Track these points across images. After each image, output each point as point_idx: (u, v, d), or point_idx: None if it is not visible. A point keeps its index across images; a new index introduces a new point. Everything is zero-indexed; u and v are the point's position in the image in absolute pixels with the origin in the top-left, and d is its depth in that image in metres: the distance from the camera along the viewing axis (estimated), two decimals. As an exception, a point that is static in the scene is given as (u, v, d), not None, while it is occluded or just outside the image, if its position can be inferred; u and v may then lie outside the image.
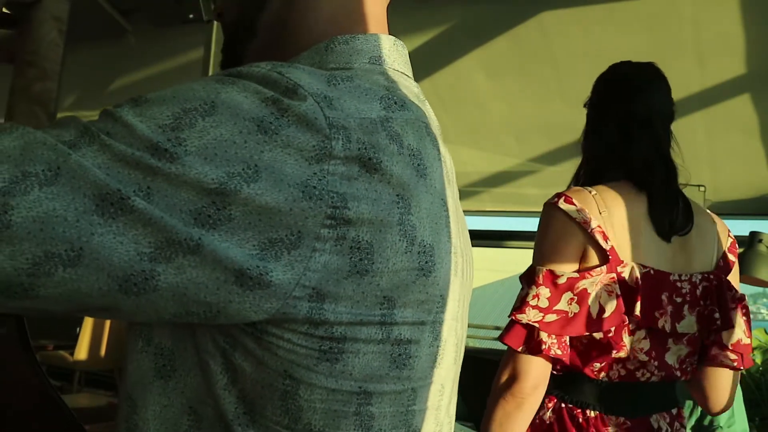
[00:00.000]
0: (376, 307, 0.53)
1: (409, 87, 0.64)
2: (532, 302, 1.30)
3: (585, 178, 1.46)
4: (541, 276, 1.31)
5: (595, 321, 1.30)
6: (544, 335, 1.30)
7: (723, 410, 1.48)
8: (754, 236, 2.87)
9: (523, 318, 1.30)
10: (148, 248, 0.46)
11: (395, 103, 0.57)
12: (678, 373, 1.39)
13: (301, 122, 0.50)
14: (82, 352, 5.27)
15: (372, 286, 0.52)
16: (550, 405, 1.41)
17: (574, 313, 1.30)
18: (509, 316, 1.33)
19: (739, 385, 2.29)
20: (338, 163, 0.50)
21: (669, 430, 1.39)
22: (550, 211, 1.36)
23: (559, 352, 1.31)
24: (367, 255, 0.51)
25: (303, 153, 0.49)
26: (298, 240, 0.49)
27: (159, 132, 0.47)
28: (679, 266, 1.38)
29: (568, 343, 1.33)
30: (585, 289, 1.30)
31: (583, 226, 1.32)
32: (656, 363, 1.35)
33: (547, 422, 1.40)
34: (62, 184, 0.45)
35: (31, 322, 0.77)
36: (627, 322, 1.31)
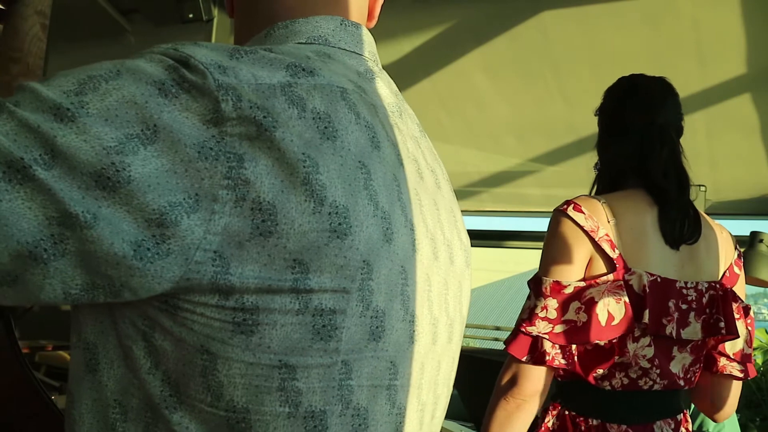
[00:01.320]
0: (287, 271, 0.51)
1: (346, 62, 0.63)
2: (541, 314, 1.32)
3: (603, 185, 1.49)
4: (548, 287, 1.32)
5: (603, 329, 1.31)
6: (548, 346, 1.32)
7: (726, 417, 1.52)
8: (755, 236, 2.87)
9: (534, 330, 1.32)
10: (55, 213, 0.47)
11: (303, 69, 0.57)
12: (681, 382, 1.39)
13: (194, 88, 0.51)
14: (82, 352, 5.26)
15: (278, 248, 0.51)
16: (554, 412, 1.42)
17: (582, 322, 1.30)
18: (517, 327, 1.34)
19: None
20: (234, 124, 0.50)
21: None
22: (559, 217, 1.37)
23: (563, 361, 1.33)
24: (270, 216, 0.50)
25: (200, 117, 0.50)
26: (196, 203, 0.49)
27: (63, 96, 0.49)
28: (686, 274, 1.39)
29: (573, 351, 1.34)
30: (592, 298, 1.31)
31: (590, 234, 1.33)
32: (658, 371, 1.35)
33: (551, 429, 1.41)
34: None
35: (31, 322, 0.77)
36: (633, 329, 1.31)
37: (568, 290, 1.31)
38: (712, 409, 1.50)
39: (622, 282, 1.32)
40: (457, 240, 0.70)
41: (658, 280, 1.34)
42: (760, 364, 3.36)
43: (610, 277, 1.32)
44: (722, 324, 1.40)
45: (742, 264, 1.51)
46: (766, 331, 3.52)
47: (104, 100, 0.49)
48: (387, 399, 0.60)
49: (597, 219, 1.34)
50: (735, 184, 3.24)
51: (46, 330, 5.98)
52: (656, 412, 1.40)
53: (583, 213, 1.35)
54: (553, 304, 1.31)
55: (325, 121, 0.55)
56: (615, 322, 1.30)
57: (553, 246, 1.36)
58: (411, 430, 0.64)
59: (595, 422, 1.37)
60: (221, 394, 0.52)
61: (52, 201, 0.47)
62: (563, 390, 1.43)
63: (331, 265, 0.53)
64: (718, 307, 1.41)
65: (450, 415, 2.86)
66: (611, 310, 1.31)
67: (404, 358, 0.61)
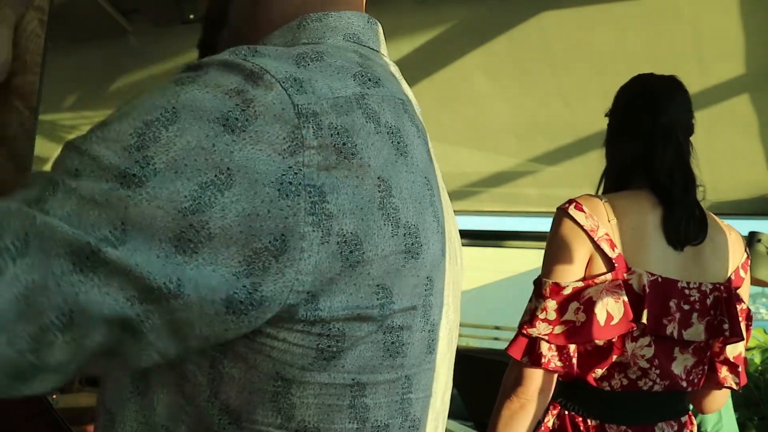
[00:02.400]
0: (372, 297, 0.50)
1: (384, 65, 0.62)
2: (541, 315, 1.33)
3: (609, 184, 1.49)
4: (547, 288, 1.33)
5: (602, 329, 1.31)
6: (544, 348, 1.33)
7: (711, 413, 1.59)
8: (753, 236, 2.87)
9: (534, 332, 1.33)
10: (134, 292, 0.45)
11: (369, 80, 0.55)
12: (684, 384, 1.39)
13: (269, 113, 0.47)
14: (82, 351, 5.27)
15: (363, 275, 0.50)
16: (554, 412, 1.43)
17: (581, 322, 1.31)
18: (519, 328, 1.36)
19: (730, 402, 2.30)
20: (313, 153, 0.47)
21: None
22: (560, 216, 1.38)
23: (559, 364, 1.34)
24: (356, 246, 0.49)
25: (275, 147, 0.47)
26: (283, 244, 0.46)
27: (125, 156, 0.45)
28: (689, 275, 1.39)
29: (571, 353, 1.35)
30: (590, 297, 1.31)
31: (590, 233, 1.34)
32: (658, 371, 1.35)
33: (551, 428, 1.42)
34: (34, 253, 0.44)
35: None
36: (633, 329, 1.31)
37: (567, 291, 1.32)
38: (702, 408, 1.55)
39: (621, 281, 1.32)
40: (456, 238, 0.69)
41: (659, 279, 1.34)
42: (759, 363, 3.36)
43: (609, 276, 1.32)
44: (726, 326, 1.40)
45: (748, 267, 1.51)
46: (764, 330, 3.53)
47: (169, 151, 0.45)
48: (432, 408, 0.61)
49: (597, 218, 1.34)
50: (733, 184, 3.24)
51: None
52: (657, 414, 1.39)
53: (584, 212, 1.35)
54: (552, 305, 1.32)
55: (397, 135, 0.54)
56: (614, 322, 1.30)
57: (553, 246, 1.37)
58: (441, 429, 0.66)
59: (594, 423, 1.37)
60: (292, 416, 0.51)
61: (129, 280, 0.44)
62: (564, 390, 1.43)
63: (407, 286, 0.53)
64: (722, 309, 1.40)
65: (450, 414, 2.87)
66: (610, 309, 1.31)
67: (441, 365, 0.62)
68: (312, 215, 0.47)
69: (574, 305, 1.31)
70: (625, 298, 1.31)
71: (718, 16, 2.34)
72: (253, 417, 0.51)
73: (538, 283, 1.36)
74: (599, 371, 1.35)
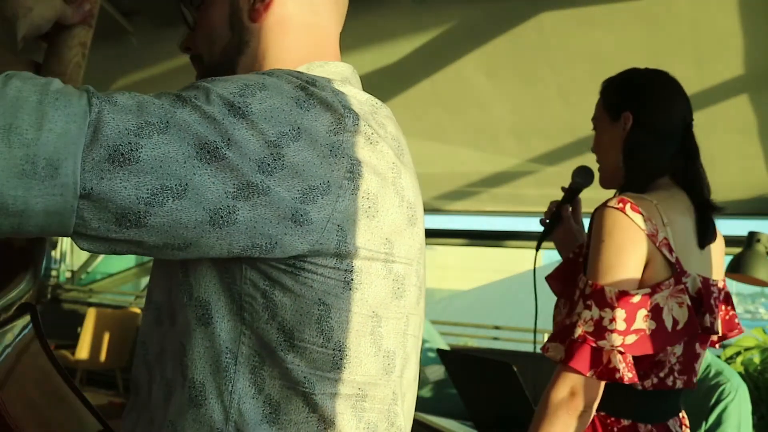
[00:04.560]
0: (381, 246, 0.68)
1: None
2: (611, 326, 1.24)
3: (635, 186, 1.40)
4: (613, 297, 1.25)
5: (671, 334, 1.27)
6: (616, 360, 1.25)
7: None
8: (753, 236, 2.88)
9: (605, 344, 1.24)
10: (232, 188, 0.60)
11: (375, 104, 0.74)
12: (694, 380, 1.41)
13: (324, 104, 0.66)
14: (83, 351, 5.27)
15: (378, 228, 0.68)
16: None
17: (651, 330, 1.26)
18: (580, 340, 1.26)
19: (748, 398, 2.29)
20: (350, 135, 0.66)
21: None
22: (615, 216, 1.28)
23: (630, 375, 1.26)
24: (374, 204, 0.67)
25: (325, 127, 0.65)
26: (328, 188, 0.64)
27: (231, 95, 0.62)
28: (709, 272, 1.41)
29: (631, 360, 1.29)
30: (658, 304, 1.27)
31: (651, 238, 1.27)
32: (680, 368, 1.36)
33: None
34: (172, 134, 0.59)
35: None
36: (697, 332, 1.31)
37: (636, 299, 1.25)
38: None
39: (683, 286, 1.29)
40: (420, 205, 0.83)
41: (703, 280, 1.35)
42: (758, 363, 3.37)
43: (672, 281, 1.28)
44: (737, 320, 1.44)
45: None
46: (764, 330, 3.53)
47: (262, 104, 0.63)
48: (416, 348, 0.79)
49: (655, 221, 1.29)
50: (733, 184, 3.25)
51: (47, 330, 5.98)
52: (672, 410, 1.41)
53: (642, 214, 1.27)
54: (621, 314, 1.24)
55: (397, 141, 0.73)
56: (680, 327, 1.28)
57: (611, 248, 1.27)
58: (417, 375, 0.82)
59: (626, 422, 1.36)
60: (331, 337, 0.67)
61: (234, 176, 0.60)
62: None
63: (405, 245, 0.72)
64: (731, 304, 1.45)
65: (450, 414, 2.87)
66: (675, 314, 1.28)
67: (418, 315, 0.79)
68: (350, 173, 0.66)
69: (642, 312, 1.26)
70: (689, 302, 1.29)
71: (717, 17, 2.34)
72: (303, 336, 0.66)
73: (597, 291, 1.27)
74: (640, 372, 1.33)
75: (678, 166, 1.41)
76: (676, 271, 1.29)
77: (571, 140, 3.22)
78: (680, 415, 1.43)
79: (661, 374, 1.35)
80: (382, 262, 0.69)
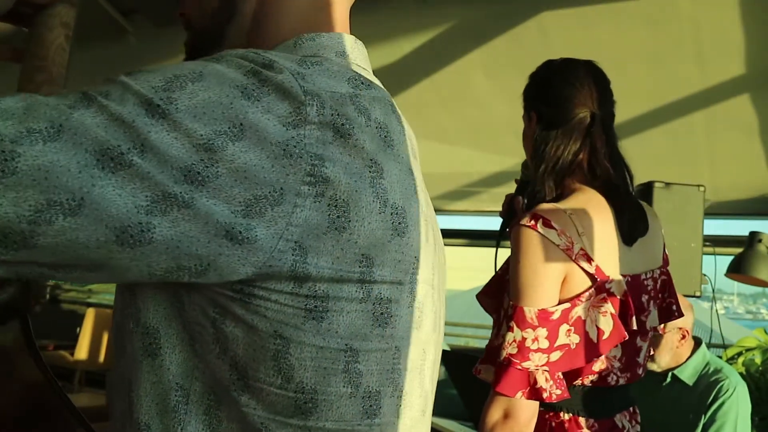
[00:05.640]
0: (355, 264, 0.56)
1: (372, 79, 0.68)
2: (533, 346, 1.23)
3: (546, 188, 1.36)
4: (534, 317, 1.23)
5: (596, 345, 1.26)
6: (542, 380, 1.24)
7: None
8: (754, 236, 2.87)
9: (530, 365, 1.23)
10: (144, 201, 0.49)
11: (362, 83, 0.62)
12: (640, 372, 1.40)
13: (279, 91, 0.54)
14: (82, 351, 5.27)
15: (350, 243, 0.55)
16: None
17: (576, 344, 1.25)
18: (505, 362, 1.24)
19: (747, 396, 2.28)
20: (313, 128, 0.54)
21: (629, 427, 1.40)
22: (529, 236, 1.25)
23: (558, 392, 1.25)
24: (344, 212, 0.55)
25: (281, 119, 0.53)
26: (281, 196, 0.52)
27: (152, 91, 0.51)
28: (644, 266, 1.38)
29: (561, 375, 1.28)
30: (579, 317, 1.26)
31: (566, 252, 1.25)
32: (620, 366, 1.35)
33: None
34: (65, 140, 0.48)
35: (32, 322, 0.77)
36: (624, 337, 1.28)
37: (556, 315, 1.24)
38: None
39: (604, 294, 1.27)
40: (436, 224, 0.73)
41: (629, 279, 1.32)
42: (759, 363, 3.36)
43: (592, 291, 1.26)
44: (675, 307, 1.43)
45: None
46: (765, 330, 3.53)
47: (192, 98, 0.51)
48: (419, 383, 0.65)
49: (569, 234, 1.26)
50: (734, 184, 3.24)
51: (47, 330, 5.98)
52: (617, 405, 1.40)
53: (555, 228, 1.25)
54: (543, 333, 1.23)
55: (384, 130, 0.61)
56: (605, 336, 1.26)
57: (528, 268, 1.25)
58: (428, 412, 0.69)
59: (566, 416, 1.35)
60: (291, 377, 0.55)
61: (148, 186, 0.49)
62: None
63: (391, 260, 0.59)
64: (669, 291, 1.43)
65: (450, 415, 2.87)
66: (600, 325, 1.26)
67: (428, 344, 0.66)
68: (310, 176, 0.54)
69: (564, 328, 1.25)
70: (612, 310, 1.27)
71: (718, 16, 2.33)
72: (257, 375, 0.55)
73: (518, 312, 1.24)
74: (576, 375, 1.33)
75: (588, 163, 1.36)
76: (596, 280, 1.27)
77: (571, 140, 3.21)
78: (631, 409, 1.42)
79: (603, 374, 1.34)
80: (356, 283, 0.56)
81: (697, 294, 2.31)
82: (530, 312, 1.24)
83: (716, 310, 2.96)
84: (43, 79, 0.72)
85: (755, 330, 3.64)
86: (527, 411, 1.25)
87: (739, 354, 3.38)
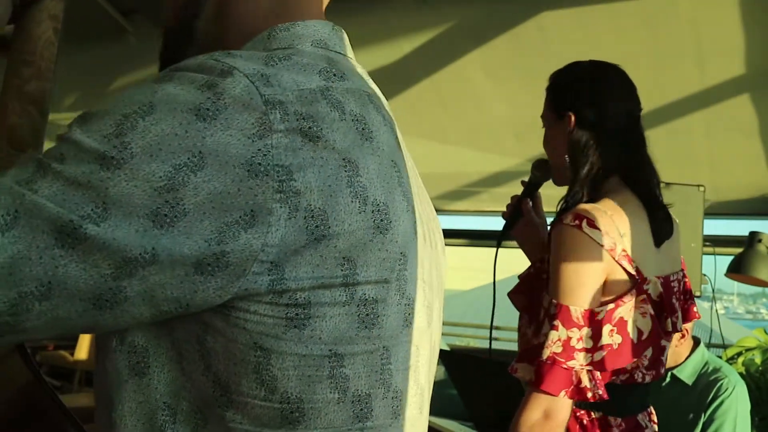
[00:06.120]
0: (337, 269, 0.54)
1: (351, 67, 0.65)
2: (578, 345, 1.24)
3: (584, 192, 1.36)
4: (579, 317, 1.24)
5: (636, 346, 1.28)
6: (586, 380, 1.24)
7: None
8: (754, 236, 2.88)
9: (575, 364, 1.24)
10: (108, 269, 0.49)
11: (334, 74, 0.59)
12: (662, 370, 1.42)
13: (237, 103, 0.52)
14: (82, 351, 5.27)
15: (330, 248, 0.53)
16: None
17: (618, 344, 1.26)
18: (550, 361, 1.24)
19: (746, 395, 2.29)
20: (280, 137, 0.52)
21: (650, 426, 1.42)
22: (575, 235, 1.26)
23: (600, 392, 1.25)
24: (322, 221, 0.53)
25: (244, 132, 0.51)
26: (252, 218, 0.51)
27: (104, 142, 0.50)
28: (669, 268, 1.40)
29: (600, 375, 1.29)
30: (622, 318, 1.27)
31: (610, 252, 1.26)
32: (647, 364, 1.37)
33: None
34: (22, 226, 0.49)
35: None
36: (661, 338, 1.32)
37: (601, 316, 1.25)
38: None
39: (645, 296, 1.29)
40: (433, 218, 0.71)
41: (662, 281, 1.34)
42: (759, 363, 3.36)
43: (634, 292, 1.28)
44: (695, 308, 1.46)
45: None
46: (765, 331, 3.53)
47: (145, 137, 0.50)
48: (413, 380, 0.63)
49: (612, 235, 1.27)
50: (734, 184, 3.24)
51: (46, 330, 5.97)
52: (640, 404, 1.41)
53: (599, 229, 1.26)
54: (587, 332, 1.24)
55: (361, 122, 0.58)
56: (644, 337, 1.29)
57: (572, 268, 1.26)
58: (425, 409, 0.68)
59: (596, 415, 1.36)
60: (275, 388, 0.54)
61: (107, 255, 0.49)
62: None
63: (375, 259, 0.56)
64: (689, 293, 1.47)
65: (450, 415, 2.87)
66: (639, 325, 1.28)
67: (422, 341, 0.64)
68: (280, 193, 0.52)
69: (607, 328, 1.26)
70: (651, 311, 1.29)
71: (717, 17, 2.33)
72: (240, 389, 0.54)
73: (563, 311, 1.25)
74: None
75: (625, 164, 1.37)
76: (637, 281, 1.29)
77: (571, 140, 3.21)
78: (649, 409, 1.44)
79: (633, 372, 1.35)
80: (339, 287, 0.54)
81: (697, 294, 2.31)
82: (576, 311, 1.24)
83: (716, 310, 2.96)
84: (31, 73, 0.70)
85: (755, 330, 3.63)
86: (566, 411, 1.26)
87: (739, 354, 3.38)
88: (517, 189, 3.97)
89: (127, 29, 3.01)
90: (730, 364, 3.06)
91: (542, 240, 1.60)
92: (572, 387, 1.25)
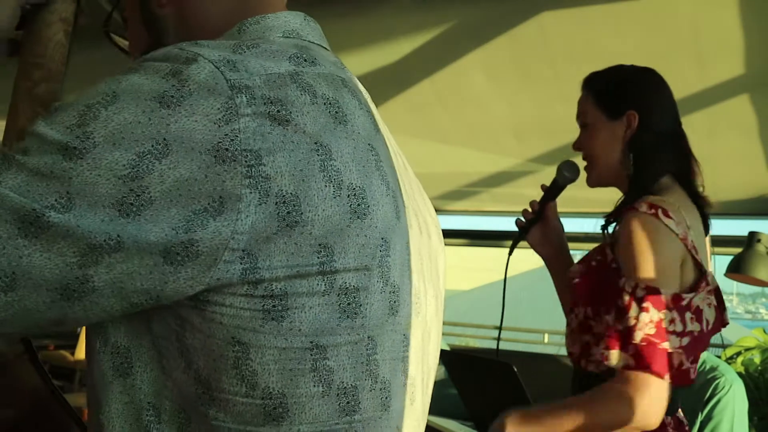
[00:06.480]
0: (312, 256, 0.52)
1: (325, 56, 0.64)
2: (670, 328, 1.25)
3: (645, 186, 1.40)
4: (668, 300, 1.25)
5: (706, 335, 1.32)
6: (688, 363, 1.25)
7: None
8: (753, 236, 2.88)
9: (669, 346, 1.24)
10: (73, 257, 0.49)
11: (305, 60, 0.58)
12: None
13: (202, 89, 0.51)
14: (82, 351, 5.27)
15: (304, 236, 0.52)
16: None
17: (697, 332, 1.29)
18: (648, 343, 1.23)
19: (744, 394, 2.30)
20: (247, 121, 0.51)
21: (682, 422, 1.43)
22: (654, 224, 1.28)
23: (693, 376, 1.29)
24: (294, 206, 0.51)
25: (210, 117, 0.50)
26: (221, 205, 0.50)
27: (67, 132, 0.49)
28: (707, 264, 1.44)
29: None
30: (698, 306, 1.30)
31: (684, 242, 1.30)
32: (693, 359, 1.38)
33: None
34: None
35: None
36: (720, 330, 1.36)
37: (685, 302, 1.28)
38: None
39: (710, 286, 1.33)
40: (426, 208, 0.71)
41: (714, 276, 1.39)
42: (758, 363, 3.36)
43: (703, 283, 1.32)
44: (725, 310, 1.46)
45: None
46: (764, 330, 3.53)
47: (107, 126, 0.49)
48: (402, 371, 0.62)
49: (683, 226, 1.31)
50: (733, 184, 3.24)
51: (46, 330, 5.97)
52: (678, 402, 1.42)
53: (673, 219, 1.29)
54: (677, 317, 1.26)
55: (335, 106, 0.57)
56: (710, 327, 1.32)
57: (654, 252, 1.27)
58: (418, 400, 0.66)
59: (669, 419, 1.36)
60: (256, 383, 0.52)
61: (71, 242, 0.48)
62: None
63: (353, 245, 0.55)
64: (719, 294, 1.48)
65: (450, 414, 2.86)
66: (707, 316, 1.31)
67: (412, 329, 0.63)
68: (249, 178, 0.50)
69: (689, 315, 1.28)
70: (716, 303, 1.33)
71: (717, 17, 2.34)
72: (221, 386, 0.53)
73: (654, 294, 1.25)
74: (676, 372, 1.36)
75: (679, 164, 1.42)
76: (703, 272, 1.33)
77: (570, 140, 3.20)
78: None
79: (692, 367, 1.37)
80: (316, 276, 0.52)
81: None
82: (666, 295, 1.26)
83: (716, 310, 2.96)
84: (41, 76, 0.71)
85: (754, 330, 3.64)
86: (666, 393, 1.23)
87: (738, 354, 3.38)
88: (518, 189, 3.96)
89: (127, 29, 3.01)
90: (729, 363, 3.06)
91: (563, 243, 1.61)
92: (674, 369, 1.24)
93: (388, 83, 3.05)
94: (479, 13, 2.61)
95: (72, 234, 0.48)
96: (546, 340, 10.09)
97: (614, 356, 1.28)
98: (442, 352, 2.62)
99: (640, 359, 1.24)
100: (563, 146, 3.35)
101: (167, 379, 0.55)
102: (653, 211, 1.29)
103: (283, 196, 0.51)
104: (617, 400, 1.25)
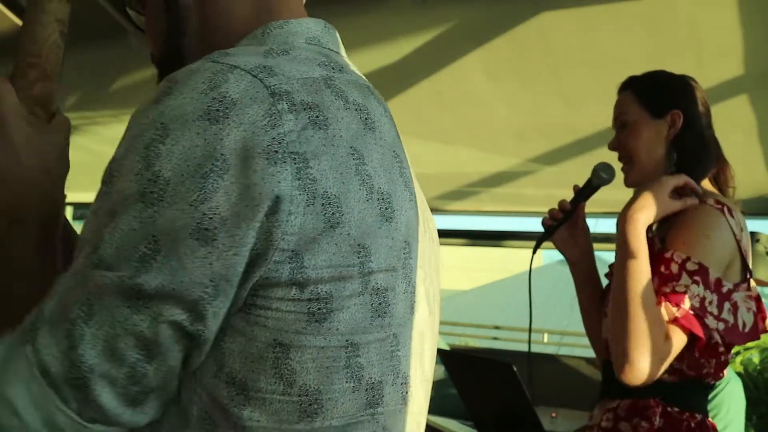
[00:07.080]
0: (353, 256, 0.55)
1: (346, 63, 0.67)
2: (710, 308, 1.29)
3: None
4: (712, 282, 1.30)
5: (741, 334, 1.33)
6: (719, 340, 1.30)
7: None
8: (753, 236, 2.87)
9: (709, 323, 1.28)
10: (183, 313, 0.53)
11: (333, 67, 0.61)
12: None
13: (245, 98, 0.52)
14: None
15: (343, 236, 0.54)
16: (658, 410, 1.38)
17: (732, 324, 1.32)
18: (690, 309, 1.27)
19: (742, 392, 2.30)
20: (291, 125, 0.53)
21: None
22: (718, 216, 1.36)
23: (723, 359, 1.35)
24: (337, 208, 0.54)
25: (256, 124, 0.52)
26: (276, 205, 0.51)
27: (139, 179, 0.51)
28: None
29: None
30: (736, 302, 1.33)
31: (738, 243, 1.36)
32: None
33: (658, 427, 1.37)
34: (98, 311, 0.52)
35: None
36: (758, 337, 1.37)
37: (725, 290, 1.32)
38: None
39: (752, 292, 1.36)
40: (430, 218, 0.73)
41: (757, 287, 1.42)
42: (758, 363, 3.37)
43: (746, 285, 1.35)
44: (766, 321, 1.48)
45: None
46: (764, 330, 3.54)
47: (171, 160, 0.51)
48: (420, 368, 0.65)
49: (740, 227, 1.37)
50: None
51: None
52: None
53: (735, 219, 1.36)
54: (716, 300, 1.31)
55: (365, 112, 0.60)
56: (746, 330, 1.34)
57: (711, 238, 1.34)
58: (428, 396, 0.69)
59: (699, 417, 1.37)
60: (294, 381, 0.54)
61: (175, 303, 0.51)
62: (670, 389, 1.39)
63: (383, 247, 0.58)
64: None
65: (450, 414, 2.87)
66: (745, 318, 1.33)
67: (426, 328, 0.66)
68: (298, 180, 0.52)
69: (727, 305, 1.32)
70: (755, 308, 1.35)
71: (717, 18, 2.34)
72: (258, 385, 0.54)
73: (702, 269, 1.30)
74: (706, 370, 1.37)
75: (718, 167, 1.48)
76: (747, 277, 1.36)
77: (571, 140, 3.21)
78: None
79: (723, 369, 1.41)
80: (356, 278, 0.55)
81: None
82: (712, 276, 1.31)
83: (715, 310, 2.95)
84: (37, 76, 0.72)
85: (754, 330, 3.64)
86: (682, 343, 1.28)
87: (737, 353, 3.39)
88: (517, 189, 3.97)
89: (127, 29, 3.01)
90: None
91: (590, 245, 1.62)
92: (704, 342, 1.29)
93: (388, 83, 3.05)
94: (479, 13, 2.61)
95: (172, 295, 0.51)
96: (546, 340, 10.10)
97: (664, 308, 1.30)
98: (443, 352, 2.62)
99: (685, 321, 1.28)
100: (562, 147, 3.36)
101: (197, 385, 0.56)
102: (720, 206, 1.35)
103: (328, 197, 0.54)
104: (662, 324, 1.27)
